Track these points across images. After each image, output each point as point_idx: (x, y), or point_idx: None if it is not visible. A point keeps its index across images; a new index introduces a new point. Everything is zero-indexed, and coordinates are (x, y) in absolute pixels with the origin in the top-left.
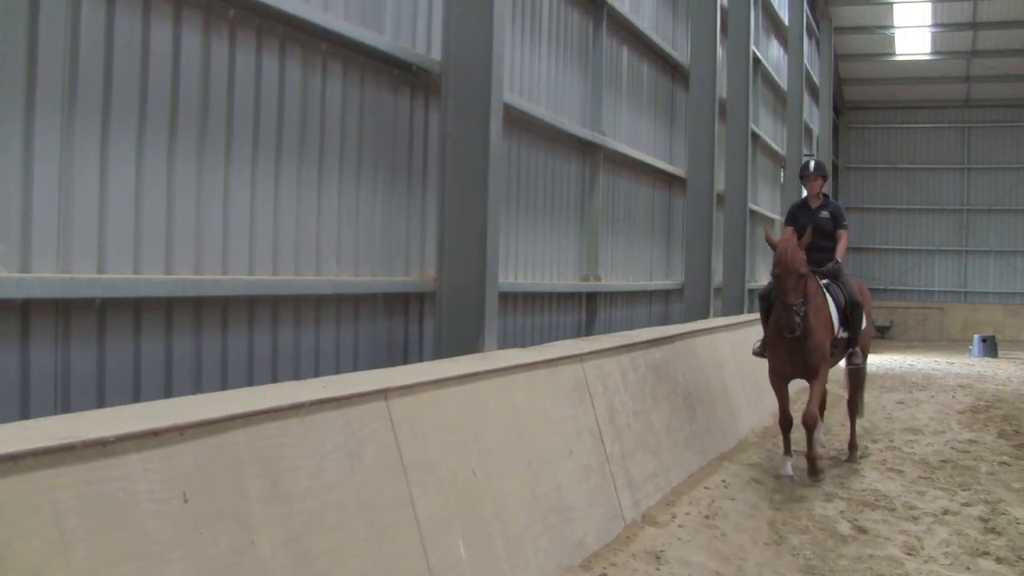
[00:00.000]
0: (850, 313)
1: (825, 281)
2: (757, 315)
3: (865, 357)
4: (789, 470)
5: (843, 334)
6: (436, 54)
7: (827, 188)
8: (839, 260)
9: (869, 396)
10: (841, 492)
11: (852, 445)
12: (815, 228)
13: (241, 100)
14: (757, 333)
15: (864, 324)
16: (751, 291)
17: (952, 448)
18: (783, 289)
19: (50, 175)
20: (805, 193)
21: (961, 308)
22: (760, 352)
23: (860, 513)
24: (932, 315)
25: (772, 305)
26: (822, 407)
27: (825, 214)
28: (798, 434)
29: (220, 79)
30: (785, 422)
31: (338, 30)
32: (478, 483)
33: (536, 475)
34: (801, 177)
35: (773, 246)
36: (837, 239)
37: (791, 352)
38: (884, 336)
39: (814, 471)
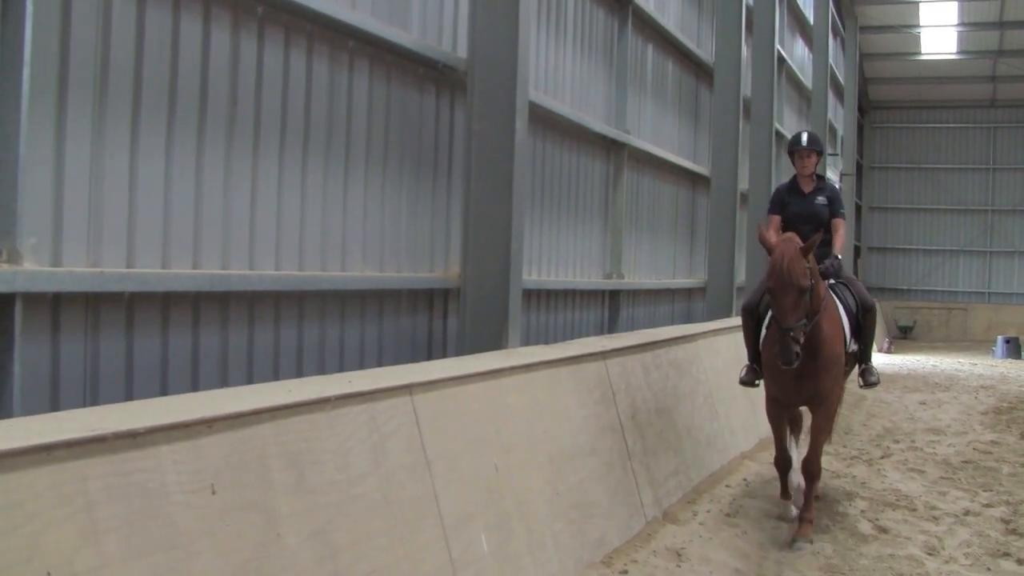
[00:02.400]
0: (863, 320)
1: (830, 282)
2: None
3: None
4: (794, 512)
5: (853, 346)
6: (462, 52)
7: (823, 168)
8: (838, 256)
9: (891, 396)
10: (862, 492)
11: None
12: (808, 216)
13: (269, 97)
14: None
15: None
16: None
17: (974, 449)
18: (780, 308)
19: (81, 171)
20: (795, 172)
21: (985, 309)
22: (749, 379)
23: (881, 513)
24: (956, 315)
25: (761, 320)
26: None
27: (820, 200)
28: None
29: (248, 76)
30: (784, 462)
31: (365, 28)
32: (501, 478)
33: (558, 471)
34: (791, 153)
35: (769, 247)
36: (834, 230)
37: (798, 376)
38: (907, 336)
39: (805, 533)
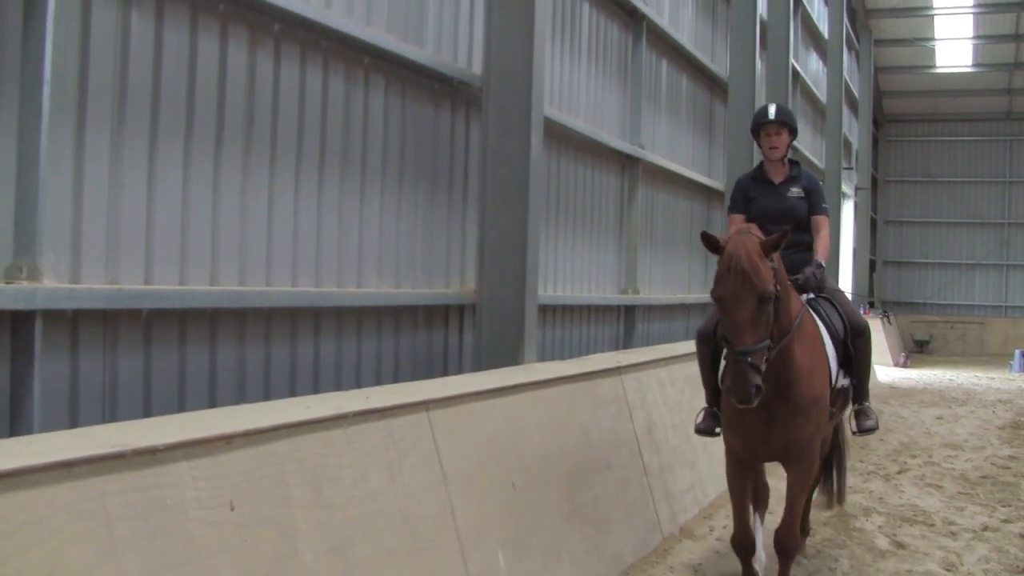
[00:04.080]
0: (853, 346)
1: (808, 296)
2: None
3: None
4: None
5: (843, 381)
6: (477, 68)
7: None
8: (822, 263)
9: (908, 411)
10: (879, 507)
11: None
12: (781, 213)
13: (285, 114)
14: None
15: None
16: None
17: (992, 464)
18: (733, 325)
19: (100, 188)
20: (761, 158)
21: (1002, 323)
22: (707, 427)
23: (899, 528)
24: (972, 329)
25: (720, 349)
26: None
27: (795, 191)
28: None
29: (265, 93)
30: (745, 544)
31: (381, 44)
32: (518, 494)
33: (574, 487)
34: (755, 131)
35: (716, 248)
36: (814, 230)
37: (765, 422)
38: (924, 351)
39: None
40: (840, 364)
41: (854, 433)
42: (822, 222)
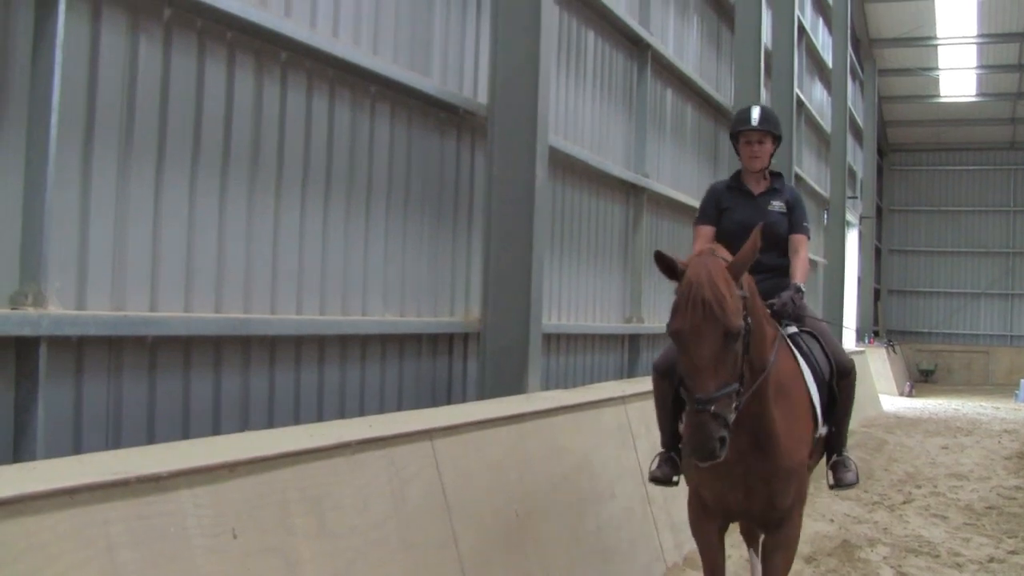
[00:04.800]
0: (837, 388)
1: (790, 330)
2: None
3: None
4: None
5: (822, 429)
6: (482, 97)
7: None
8: (800, 286)
9: (912, 441)
10: (884, 538)
11: None
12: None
13: (291, 142)
14: None
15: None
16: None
17: (998, 495)
18: (693, 366)
19: (106, 215)
20: (741, 166)
21: (1007, 352)
22: (664, 475)
23: (903, 559)
24: (977, 359)
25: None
26: None
27: (776, 205)
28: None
29: (271, 120)
30: None
31: (387, 74)
32: (521, 523)
33: (578, 516)
34: (734, 136)
35: (673, 272)
36: (791, 251)
37: (740, 475)
38: (928, 380)
39: None
40: (824, 408)
41: (831, 487)
42: (800, 242)
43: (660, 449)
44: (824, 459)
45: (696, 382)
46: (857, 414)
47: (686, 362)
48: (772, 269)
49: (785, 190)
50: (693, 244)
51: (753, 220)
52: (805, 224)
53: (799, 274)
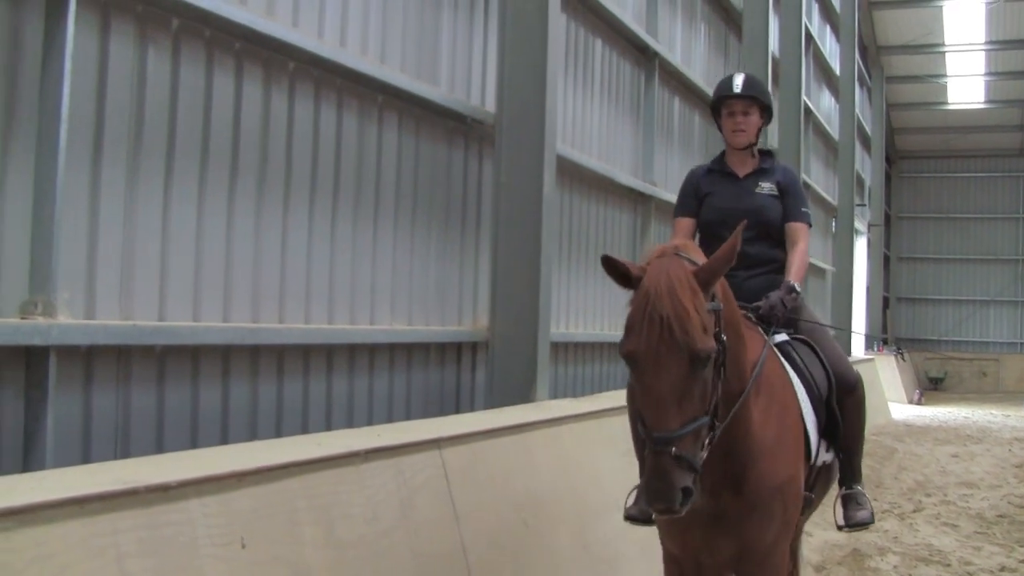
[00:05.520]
0: (840, 408)
1: (780, 338)
2: None
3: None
4: None
5: (826, 456)
6: (490, 106)
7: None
8: (796, 286)
9: (922, 449)
10: (895, 546)
11: None
12: (745, 215)
13: (299, 151)
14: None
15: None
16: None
17: (1009, 503)
18: (651, 399)
19: (114, 225)
20: (725, 147)
21: (1017, 359)
22: (639, 513)
23: (914, 568)
24: (987, 366)
25: None
26: None
27: (766, 187)
28: None
29: (279, 130)
30: None
31: (394, 83)
32: (529, 533)
33: (587, 525)
34: (715, 107)
35: (627, 279)
36: (789, 242)
37: (712, 520)
38: (938, 388)
39: None
40: (822, 432)
41: (840, 528)
42: (800, 231)
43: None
44: (836, 493)
45: (655, 417)
46: (866, 423)
47: (643, 392)
48: (764, 263)
49: (777, 170)
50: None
51: (738, 205)
52: (804, 210)
53: (795, 271)
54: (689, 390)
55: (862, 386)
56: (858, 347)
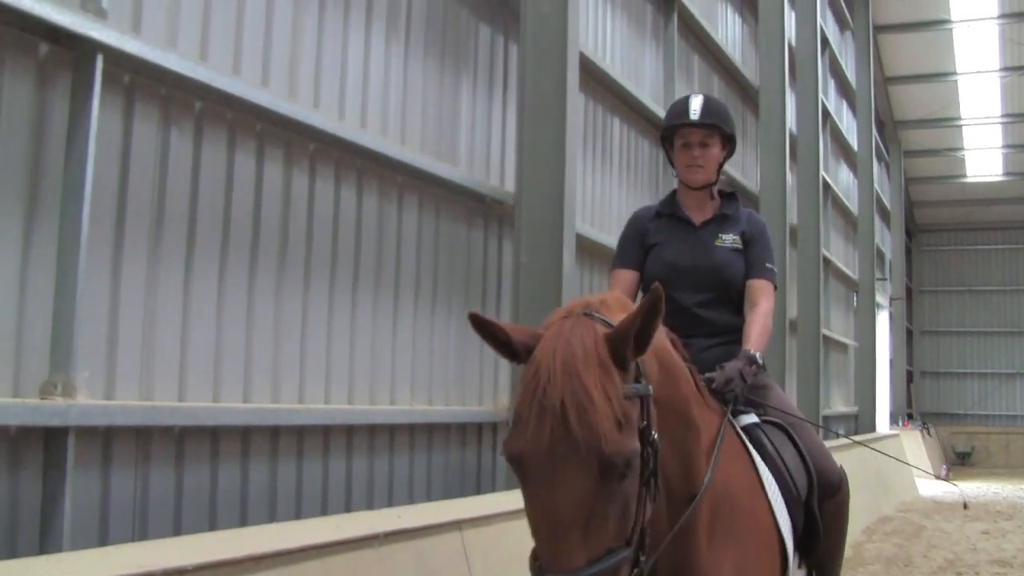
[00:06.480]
0: (820, 511)
1: (748, 419)
2: (840, 438)
3: None
4: None
5: (799, 573)
6: (509, 186)
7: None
8: (757, 356)
9: (951, 526)
10: None
11: None
12: (698, 271)
13: (320, 231)
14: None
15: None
16: (825, 418)
17: None
18: (543, 526)
19: (135, 304)
20: (676, 183)
21: None
22: None
23: None
24: (1015, 440)
25: None
26: None
27: (728, 239)
28: None
29: (300, 210)
30: None
31: (414, 163)
32: None
33: None
34: (666, 138)
35: (510, 349)
36: (749, 303)
37: None
38: (965, 463)
39: None
40: (797, 544)
41: None
42: (762, 290)
43: None
44: None
45: (550, 549)
46: (892, 499)
47: (533, 513)
48: (724, 331)
49: (741, 217)
50: (614, 288)
51: (692, 261)
52: (768, 265)
53: (755, 337)
54: (599, 510)
55: (847, 486)
56: (883, 422)
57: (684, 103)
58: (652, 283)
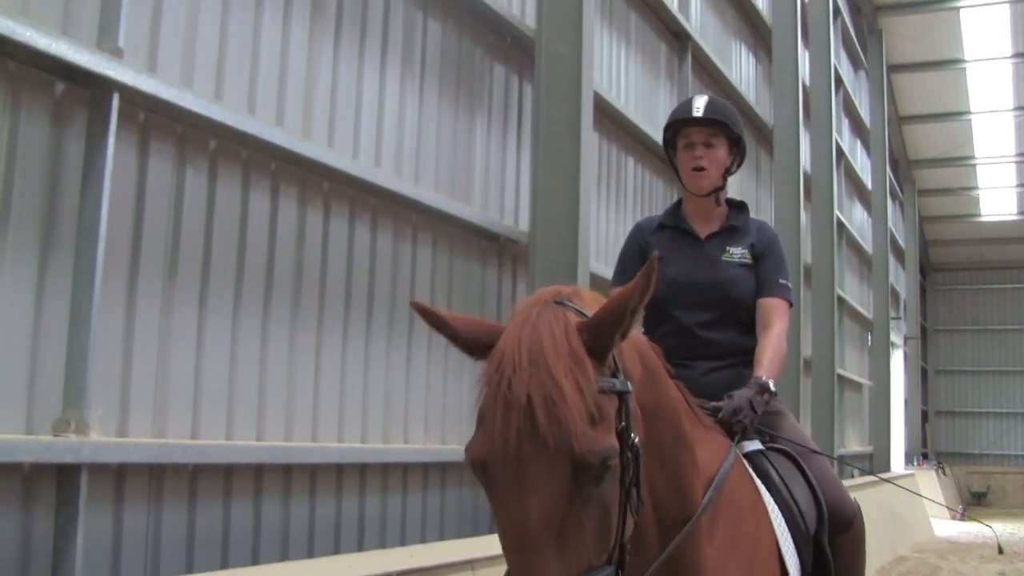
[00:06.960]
0: (831, 548)
1: (751, 446)
2: (858, 475)
3: None
4: None
5: None
6: (524, 225)
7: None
8: (770, 384)
9: (967, 567)
10: None
11: None
12: (704, 287)
13: (334, 269)
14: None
15: None
16: (840, 458)
17: None
18: (512, 538)
19: (149, 342)
20: (681, 191)
21: None
22: None
23: None
24: None
25: None
26: None
27: (737, 252)
28: None
29: (314, 249)
30: None
31: (428, 202)
32: None
33: None
34: (668, 139)
35: (469, 344)
36: (761, 324)
37: None
38: (981, 503)
39: None
40: None
41: None
42: (776, 309)
43: None
44: None
45: (518, 564)
46: (907, 539)
47: (500, 524)
48: (731, 353)
49: (750, 229)
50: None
51: (697, 278)
52: (782, 281)
53: (767, 363)
54: (575, 519)
55: (861, 520)
56: (898, 462)
57: (687, 102)
58: (654, 301)
